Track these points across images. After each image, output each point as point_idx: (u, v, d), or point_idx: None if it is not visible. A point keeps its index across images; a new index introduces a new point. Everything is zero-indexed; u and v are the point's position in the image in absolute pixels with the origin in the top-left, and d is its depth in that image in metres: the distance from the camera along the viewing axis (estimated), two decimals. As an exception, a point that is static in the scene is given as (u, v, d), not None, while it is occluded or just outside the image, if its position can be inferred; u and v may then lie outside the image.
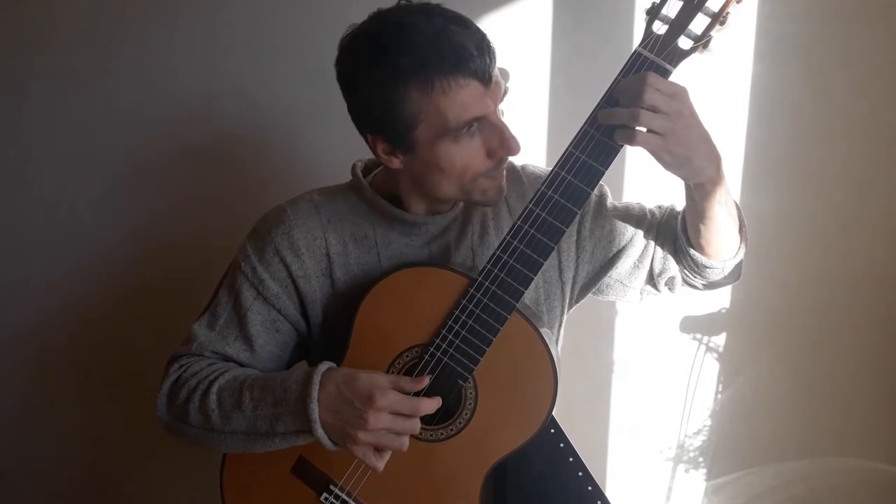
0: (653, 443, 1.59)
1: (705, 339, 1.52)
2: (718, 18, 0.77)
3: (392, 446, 0.88)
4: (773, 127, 1.39)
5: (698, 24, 0.79)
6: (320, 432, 0.88)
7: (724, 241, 0.97)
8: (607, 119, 0.83)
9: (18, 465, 1.64)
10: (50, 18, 1.39)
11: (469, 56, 0.86)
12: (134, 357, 1.54)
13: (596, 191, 1.08)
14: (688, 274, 1.05)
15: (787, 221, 1.43)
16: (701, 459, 1.60)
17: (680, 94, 0.81)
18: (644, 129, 0.81)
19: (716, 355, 1.53)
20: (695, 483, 1.61)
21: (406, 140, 0.92)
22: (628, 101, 0.80)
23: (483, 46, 0.88)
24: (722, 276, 1.03)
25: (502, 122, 0.93)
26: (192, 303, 1.17)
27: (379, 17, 0.92)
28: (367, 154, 1.10)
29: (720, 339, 1.52)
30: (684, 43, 0.80)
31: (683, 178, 0.88)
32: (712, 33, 0.78)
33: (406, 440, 0.88)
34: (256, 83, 1.41)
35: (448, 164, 0.92)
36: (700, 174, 0.86)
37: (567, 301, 1.10)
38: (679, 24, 0.79)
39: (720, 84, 1.33)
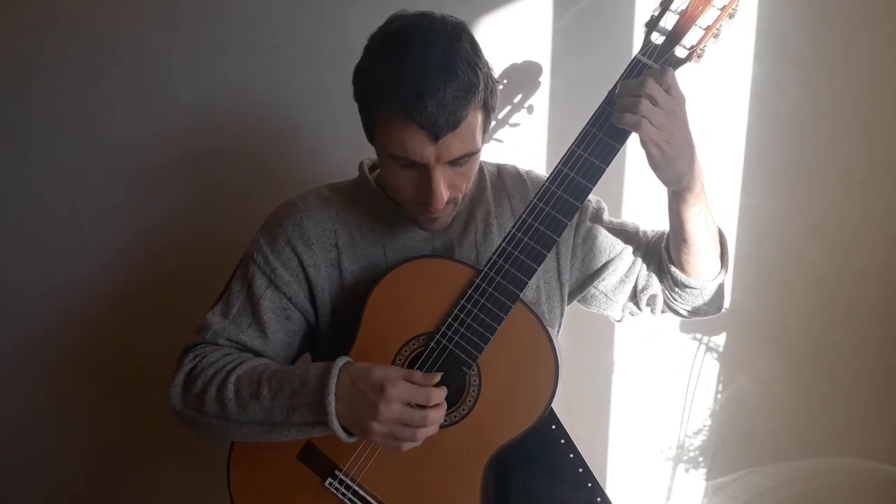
0: (653, 443, 1.64)
1: (705, 338, 1.57)
2: (711, 32, 0.88)
3: (404, 438, 0.95)
4: (773, 127, 1.43)
5: (692, 36, 0.89)
6: (336, 424, 0.95)
7: (702, 260, 1.07)
8: (616, 107, 0.92)
9: (19, 465, 1.67)
10: (51, 18, 1.42)
11: (422, 109, 0.92)
12: (135, 357, 1.58)
13: (595, 203, 1.19)
14: (668, 294, 1.14)
15: (787, 221, 1.48)
16: (701, 459, 1.64)
17: (678, 98, 0.92)
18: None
19: (716, 355, 1.58)
20: (695, 483, 1.66)
21: (370, 135, 1.03)
22: (631, 91, 0.91)
23: (451, 106, 0.93)
24: (702, 299, 1.12)
25: (438, 179, 0.97)
26: (195, 303, 1.22)
27: (393, 22, 1.00)
28: (373, 153, 1.18)
29: (720, 339, 1.57)
30: (680, 52, 0.90)
31: (664, 180, 0.97)
32: (705, 45, 0.89)
33: (419, 433, 0.95)
34: (261, 82, 1.45)
35: (385, 174, 1.04)
36: (680, 180, 0.96)
37: (565, 302, 1.19)
38: (675, 36, 0.90)
39: (720, 84, 1.39)
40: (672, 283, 1.11)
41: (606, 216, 1.20)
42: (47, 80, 1.45)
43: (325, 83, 1.44)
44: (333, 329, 1.12)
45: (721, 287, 1.13)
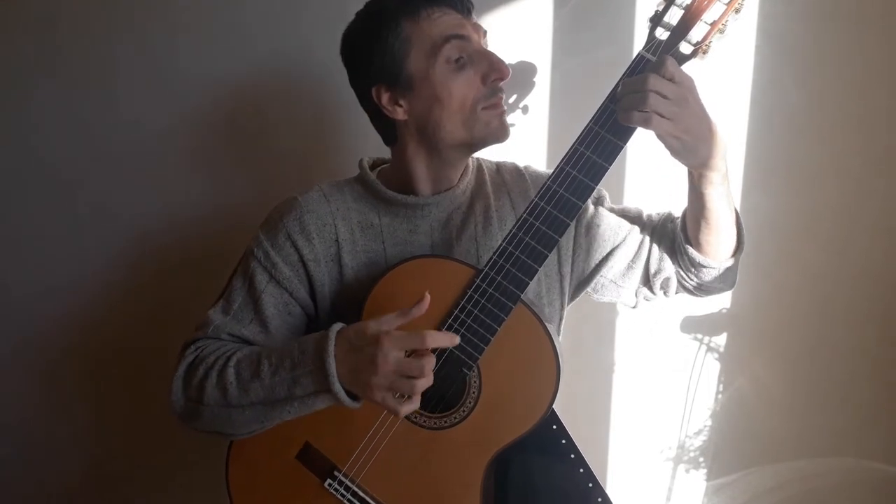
0: (653, 443, 1.63)
1: (706, 339, 1.55)
2: (717, 27, 0.86)
3: (405, 390, 0.92)
4: (773, 127, 1.42)
5: (698, 31, 0.87)
6: (337, 387, 0.93)
7: (722, 239, 1.05)
8: (621, 106, 0.90)
9: (19, 465, 1.66)
10: (50, 17, 1.41)
11: None
12: (135, 357, 1.57)
13: (596, 192, 1.16)
14: (683, 275, 1.13)
15: (787, 221, 1.47)
16: (701, 459, 1.63)
17: (684, 82, 0.89)
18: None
19: (716, 355, 1.56)
20: (695, 483, 1.64)
21: (402, 76, 1.03)
22: (635, 88, 0.89)
23: None
24: (717, 276, 1.10)
25: (488, 49, 1.06)
26: (196, 303, 1.21)
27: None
28: (374, 154, 1.18)
29: (720, 339, 1.55)
30: (685, 48, 0.88)
31: (689, 166, 0.96)
32: (711, 40, 0.87)
33: (419, 384, 0.91)
34: (261, 81, 1.44)
35: (446, 94, 1.02)
36: (705, 162, 0.94)
37: (566, 295, 1.18)
38: (679, 31, 0.88)
39: (720, 84, 1.35)
40: (689, 264, 1.10)
41: (608, 203, 1.19)
42: (47, 80, 1.44)
43: (325, 82, 1.42)
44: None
45: (736, 264, 1.11)
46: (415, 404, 0.94)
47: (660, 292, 1.18)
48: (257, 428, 1.03)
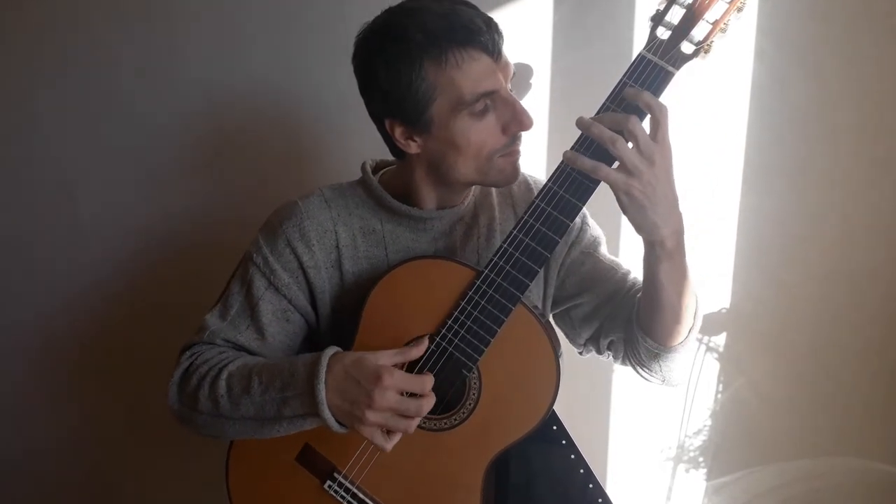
0: (653, 442, 1.62)
1: (705, 338, 1.55)
2: (718, 26, 0.84)
3: (398, 428, 0.92)
4: (774, 126, 1.41)
5: (700, 30, 0.86)
6: (326, 414, 0.92)
7: (664, 322, 0.99)
8: (587, 132, 0.88)
9: (19, 465, 1.66)
10: (52, 15, 1.41)
11: (478, 30, 0.94)
12: (135, 357, 1.57)
13: (594, 231, 1.16)
14: (628, 348, 1.09)
15: (787, 221, 1.46)
16: (701, 459, 1.63)
17: (662, 144, 0.86)
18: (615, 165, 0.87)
19: (716, 355, 1.56)
20: (695, 483, 1.64)
21: (422, 119, 0.98)
22: (615, 121, 0.87)
23: (491, 24, 0.97)
24: (657, 362, 1.05)
25: (514, 98, 0.98)
26: (196, 302, 1.21)
27: (391, 8, 1.00)
28: (376, 155, 1.15)
29: (720, 339, 1.55)
30: (686, 47, 0.87)
31: (635, 228, 0.92)
32: (713, 40, 0.86)
33: (413, 423, 0.92)
34: (262, 82, 1.44)
35: (464, 142, 0.98)
36: (653, 231, 0.90)
37: (548, 314, 1.17)
38: (681, 30, 0.87)
39: (720, 83, 1.37)
40: (631, 338, 1.06)
41: (602, 249, 1.17)
42: (49, 81, 1.44)
43: (326, 83, 1.42)
44: (335, 331, 1.10)
45: (681, 358, 1.06)
46: (397, 439, 0.94)
47: (607, 353, 1.15)
48: (251, 438, 1.02)
